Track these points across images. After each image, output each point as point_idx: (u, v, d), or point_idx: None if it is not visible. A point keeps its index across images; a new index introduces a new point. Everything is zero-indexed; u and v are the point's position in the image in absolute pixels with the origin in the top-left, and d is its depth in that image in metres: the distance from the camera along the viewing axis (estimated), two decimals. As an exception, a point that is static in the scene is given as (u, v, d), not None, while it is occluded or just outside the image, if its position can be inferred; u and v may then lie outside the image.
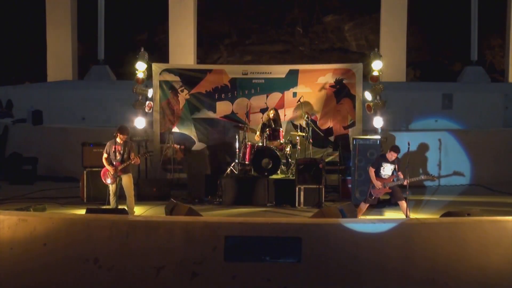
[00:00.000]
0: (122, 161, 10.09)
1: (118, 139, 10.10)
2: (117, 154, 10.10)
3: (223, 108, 13.04)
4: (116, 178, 10.17)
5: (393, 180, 9.60)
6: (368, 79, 12.30)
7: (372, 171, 9.77)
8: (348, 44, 21.50)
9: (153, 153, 10.57)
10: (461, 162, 13.56)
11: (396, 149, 9.65)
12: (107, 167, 10.18)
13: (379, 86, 12.09)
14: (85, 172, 11.61)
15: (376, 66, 12.11)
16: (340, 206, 9.30)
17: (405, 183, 9.46)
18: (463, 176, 13.36)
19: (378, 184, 9.65)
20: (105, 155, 10.24)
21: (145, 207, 11.19)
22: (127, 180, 10.24)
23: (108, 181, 10.24)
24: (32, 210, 9.49)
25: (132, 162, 10.22)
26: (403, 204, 9.68)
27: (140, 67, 12.43)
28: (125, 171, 10.22)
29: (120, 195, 10.42)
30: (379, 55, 12.33)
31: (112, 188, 10.23)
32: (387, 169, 9.67)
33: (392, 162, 9.65)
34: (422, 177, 9.49)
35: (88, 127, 14.89)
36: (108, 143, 10.33)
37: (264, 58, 21.18)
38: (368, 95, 12.30)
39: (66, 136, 14.22)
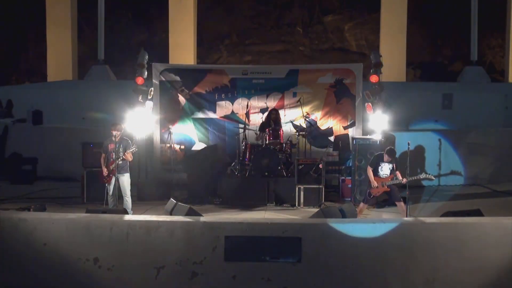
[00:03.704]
0: (116, 159, 10.05)
1: (113, 137, 10.10)
2: (113, 152, 10.09)
3: (223, 108, 13.03)
4: (111, 178, 10.12)
5: (391, 179, 9.61)
6: (368, 79, 12.29)
7: (370, 170, 9.77)
8: (348, 44, 21.49)
9: (137, 150, 10.51)
10: (460, 162, 13.56)
11: (390, 153, 9.62)
12: (102, 167, 10.15)
13: (379, 86, 12.08)
14: (85, 172, 11.60)
15: (376, 66, 12.11)
16: (340, 206, 9.31)
17: (403, 181, 9.47)
18: (461, 175, 13.39)
19: (376, 183, 9.66)
20: (103, 155, 10.23)
21: (145, 207, 11.18)
22: (123, 180, 10.20)
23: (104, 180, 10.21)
24: (32, 210, 9.48)
25: (125, 158, 10.14)
26: (401, 204, 9.69)
27: (140, 68, 12.42)
28: (121, 170, 10.15)
29: (120, 196, 10.40)
30: (379, 55, 12.32)
31: (109, 188, 10.20)
32: (385, 168, 9.67)
33: (390, 161, 9.66)
34: (420, 176, 9.47)
35: (88, 127, 14.88)
36: (104, 142, 10.33)
37: (264, 58, 21.17)
38: (368, 96, 12.29)
39: (66, 136, 14.21)
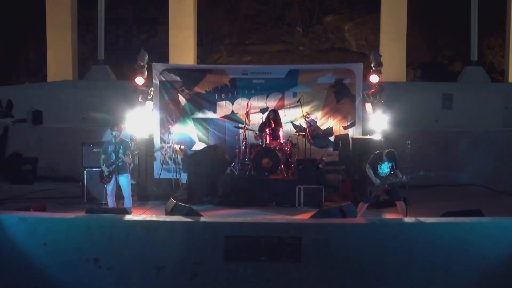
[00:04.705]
0: (116, 160, 10.04)
1: (113, 139, 10.08)
2: (112, 153, 10.07)
3: (223, 108, 13.04)
4: (111, 178, 10.09)
5: (390, 178, 9.60)
6: (368, 79, 12.29)
7: (370, 169, 9.76)
8: (348, 44, 21.48)
9: (136, 150, 10.53)
10: (461, 162, 13.57)
11: (389, 157, 9.57)
12: (102, 167, 10.12)
13: (379, 86, 12.08)
14: (85, 172, 11.60)
15: (376, 66, 12.10)
16: (340, 206, 9.30)
17: (403, 180, 9.46)
18: (462, 175, 13.39)
19: (377, 182, 9.65)
20: (102, 156, 10.20)
21: (145, 207, 11.19)
22: (123, 181, 10.18)
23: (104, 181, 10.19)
24: (32, 210, 9.49)
25: (125, 160, 10.13)
26: (401, 204, 9.68)
27: (140, 68, 12.42)
28: (120, 171, 10.14)
29: (120, 196, 10.39)
30: (379, 55, 12.32)
31: (108, 188, 10.18)
32: (384, 167, 9.66)
33: (389, 160, 9.63)
34: (420, 173, 9.44)
35: (88, 127, 14.89)
36: (104, 143, 10.33)
37: (264, 58, 21.15)
38: (368, 96, 12.29)
39: (66, 136, 14.22)
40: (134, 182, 11.61)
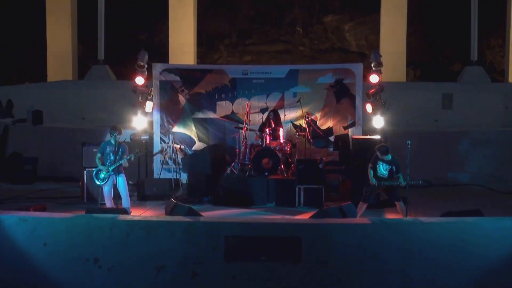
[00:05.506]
0: (114, 161, 10.02)
1: (112, 140, 10.07)
2: (111, 154, 10.06)
3: (223, 108, 13.05)
4: (108, 179, 10.07)
5: (388, 180, 9.58)
6: (368, 79, 12.29)
7: (370, 168, 9.77)
8: (348, 44, 21.49)
9: (140, 152, 10.54)
10: (461, 162, 13.57)
11: (380, 150, 9.61)
12: (100, 167, 10.11)
13: (379, 86, 12.08)
14: (85, 172, 11.60)
15: (376, 66, 12.10)
16: (340, 206, 9.30)
17: (402, 185, 9.45)
18: (462, 175, 13.40)
19: (373, 181, 9.65)
20: (98, 155, 10.19)
21: (145, 207, 11.19)
22: (120, 181, 10.17)
23: (100, 182, 10.17)
24: (32, 210, 9.48)
25: (124, 165, 10.12)
26: (401, 204, 9.67)
27: (140, 68, 12.43)
28: (117, 172, 10.15)
29: (119, 196, 10.37)
30: (379, 55, 12.31)
31: (105, 189, 10.17)
32: (383, 168, 9.65)
33: (388, 162, 9.62)
34: (420, 181, 9.43)
35: (88, 127, 14.90)
36: (102, 144, 10.32)
37: (264, 58, 21.16)
38: (368, 96, 12.29)
39: (66, 136, 14.23)
40: (132, 182, 11.61)
